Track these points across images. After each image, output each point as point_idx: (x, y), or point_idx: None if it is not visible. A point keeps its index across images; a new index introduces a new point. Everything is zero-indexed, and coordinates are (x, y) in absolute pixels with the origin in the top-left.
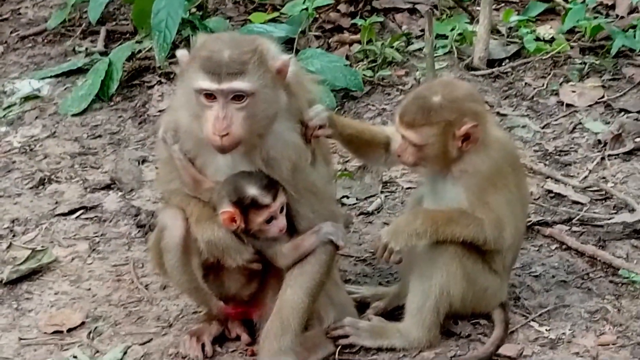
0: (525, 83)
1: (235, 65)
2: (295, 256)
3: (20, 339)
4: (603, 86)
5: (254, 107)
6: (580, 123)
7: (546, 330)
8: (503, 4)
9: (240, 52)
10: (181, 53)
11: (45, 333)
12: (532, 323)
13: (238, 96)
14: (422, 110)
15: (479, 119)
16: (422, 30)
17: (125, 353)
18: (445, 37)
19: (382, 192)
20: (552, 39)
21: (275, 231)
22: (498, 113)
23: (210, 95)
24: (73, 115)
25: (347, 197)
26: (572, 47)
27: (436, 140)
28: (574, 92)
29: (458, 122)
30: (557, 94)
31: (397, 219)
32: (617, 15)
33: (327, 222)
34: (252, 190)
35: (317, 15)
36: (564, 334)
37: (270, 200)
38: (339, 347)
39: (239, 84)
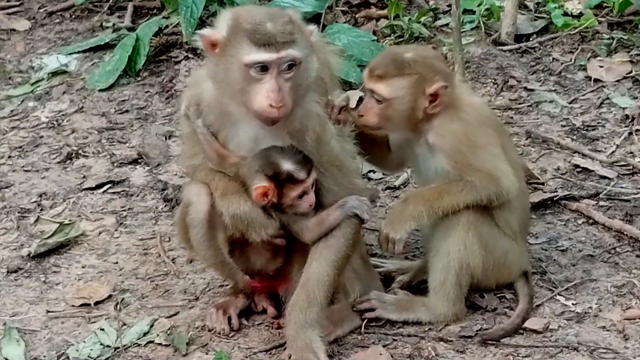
0: (553, 58)
1: (285, 35)
2: (321, 230)
3: (48, 311)
4: (631, 61)
5: (299, 77)
6: (608, 98)
7: (572, 304)
8: None
9: (282, 22)
10: (207, 32)
11: (72, 306)
12: (558, 297)
13: (289, 66)
14: (395, 62)
15: (449, 82)
16: (449, 6)
17: (151, 326)
18: (472, 12)
19: (408, 166)
20: (580, 14)
21: (306, 206)
22: (525, 88)
23: (262, 68)
24: (100, 90)
25: (374, 172)
26: (600, 22)
27: (405, 94)
28: (601, 67)
29: (430, 80)
30: (584, 69)
31: (392, 208)
32: None
33: (352, 196)
34: (288, 165)
35: None
36: (590, 308)
37: (305, 175)
38: (365, 321)
39: (293, 52)
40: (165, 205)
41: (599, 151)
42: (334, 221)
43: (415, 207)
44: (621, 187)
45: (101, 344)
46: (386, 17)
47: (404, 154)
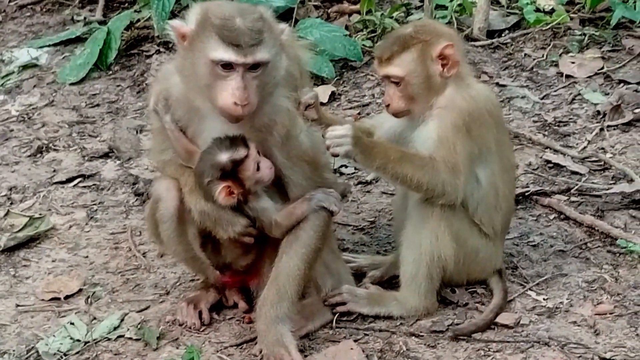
0: (525, 54)
1: (254, 35)
2: (289, 224)
3: (18, 305)
4: (603, 57)
5: (266, 75)
6: (580, 94)
7: (544, 299)
8: None
9: (252, 19)
10: (177, 23)
11: (42, 300)
12: (529, 292)
13: (255, 66)
14: (397, 40)
15: (453, 41)
16: (422, 1)
17: (122, 320)
18: (444, 7)
19: None
20: (552, 10)
21: (268, 173)
22: (497, 84)
23: (228, 65)
24: (71, 84)
25: (346, 167)
26: (572, 19)
27: (416, 65)
28: (573, 63)
29: (433, 43)
30: (556, 65)
31: (362, 138)
32: None
33: (319, 189)
34: (225, 155)
35: None
36: (561, 303)
37: (245, 150)
38: (336, 315)
39: (261, 55)
40: (136, 200)
41: (571, 147)
42: (301, 214)
43: (375, 156)
44: (592, 183)
45: (71, 338)
46: (358, 12)
47: (395, 143)
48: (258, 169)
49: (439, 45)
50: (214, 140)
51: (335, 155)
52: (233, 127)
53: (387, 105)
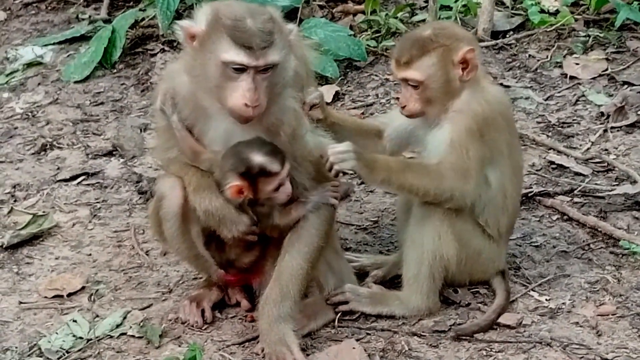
0: (529, 55)
1: (265, 37)
2: (284, 225)
3: (21, 302)
4: (607, 59)
5: (276, 76)
6: (584, 95)
7: (546, 299)
8: None
9: (262, 20)
10: (186, 23)
11: (45, 297)
12: (532, 292)
13: (266, 67)
14: (417, 44)
15: (474, 45)
16: (427, 1)
17: (124, 318)
18: (449, 8)
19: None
20: (557, 11)
21: (283, 197)
22: (501, 84)
23: (239, 67)
24: (76, 82)
25: None
26: (576, 20)
27: (437, 69)
28: (577, 64)
29: (455, 47)
30: (560, 66)
31: (363, 154)
32: None
33: (315, 194)
34: (259, 159)
35: None
36: (563, 303)
37: (279, 167)
38: (339, 314)
39: (272, 57)
40: (140, 198)
41: (574, 148)
42: (297, 216)
43: (378, 169)
44: (595, 184)
45: (74, 336)
46: (363, 12)
47: (406, 141)
48: (278, 188)
49: (460, 51)
50: (258, 138)
51: (338, 174)
52: (241, 127)
53: (403, 107)
